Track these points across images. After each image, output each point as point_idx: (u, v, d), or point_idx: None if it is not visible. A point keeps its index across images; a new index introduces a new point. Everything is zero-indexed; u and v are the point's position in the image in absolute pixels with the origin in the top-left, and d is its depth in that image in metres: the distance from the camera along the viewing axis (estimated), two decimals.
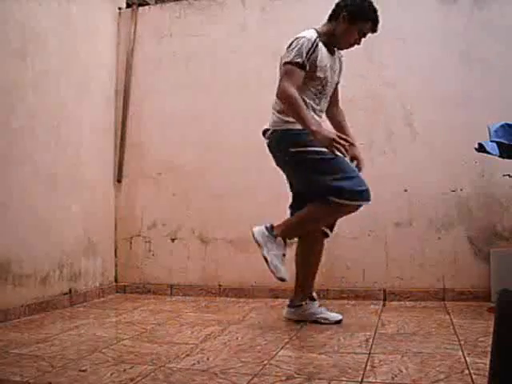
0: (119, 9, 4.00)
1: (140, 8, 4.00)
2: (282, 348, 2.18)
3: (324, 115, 2.75)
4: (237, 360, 1.99)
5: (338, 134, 2.49)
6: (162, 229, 3.81)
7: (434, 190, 3.32)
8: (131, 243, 3.86)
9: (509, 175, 2.98)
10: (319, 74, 2.53)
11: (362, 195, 2.51)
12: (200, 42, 3.80)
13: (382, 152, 3.42)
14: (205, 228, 3.72)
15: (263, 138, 2.69)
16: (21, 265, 2.90)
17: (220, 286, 3.63)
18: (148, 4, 4.10)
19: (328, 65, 2.58)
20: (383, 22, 3.46)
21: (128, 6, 4.05)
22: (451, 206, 3.30)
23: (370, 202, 2.54)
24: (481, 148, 2.66)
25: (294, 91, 2.41)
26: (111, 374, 1.83)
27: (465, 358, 1.94)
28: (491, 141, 2.61)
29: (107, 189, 3.83)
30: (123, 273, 3.86)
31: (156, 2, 4.14)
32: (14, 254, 2.86)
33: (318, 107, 2.63)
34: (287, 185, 2.77)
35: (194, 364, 1.96)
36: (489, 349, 1.16)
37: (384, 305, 3.21)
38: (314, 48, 2.48)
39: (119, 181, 3.89)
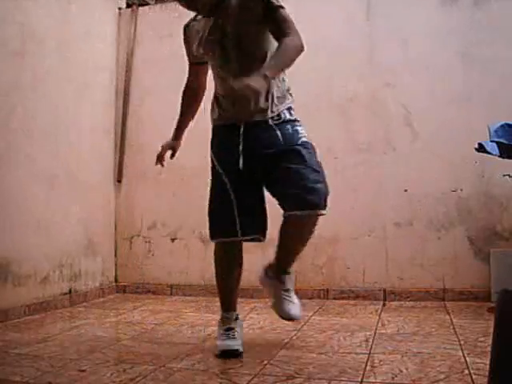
0: (119, 9, 4.01)
1: (140, 8, 4.00)
2: (282, 348, 2.17)
3: None
4: (237, 360, 1.99)
5: None
6: (161, 229, 3.81)
7: (434, 190, 3.32)
8: (131, 243, 3.86)
9: (509, 175, 2.98)
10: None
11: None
12: None
13: (382, 152, 3.42)
14: (205, 228, 3.66)
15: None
16: (21, 265, 2.90)
17: None
18: (148, 4, 4.10)
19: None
20: (384, 22, 3.50)
21: (128, 6, 4.05)
22: (451, 206, 3.30)
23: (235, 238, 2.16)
24: (481, 148, 2.66)
25: None
26: (111, 374, 1.83)
27: (465, 358, 1.94)
28: (491, 141, 2.61)
29: (107, 189, 3.83)
30: (123, 273, 3.86)
31: (156, 2, 4.14)
32: (14, 254, 2.86)
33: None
34: None
35: (193, 364, 1.96)
36: (489, 349, 1.16)
37: (384, 305, 3.21)
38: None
39: (119, 181, 3.89)
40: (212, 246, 3.66)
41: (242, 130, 2.13)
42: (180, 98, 2.42)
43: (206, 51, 2.16)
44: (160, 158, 2.47)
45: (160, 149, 2.48)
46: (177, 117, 2.50)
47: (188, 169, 3.75)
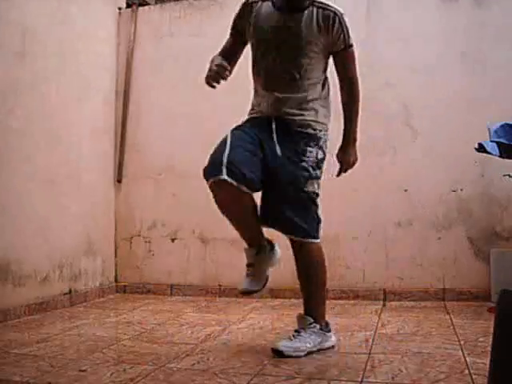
0: (119, 9, 4.01)
1: (140, 8, 4.00)
2: None
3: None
4: (237, 360, 1.99)
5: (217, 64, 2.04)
6: (161, 229, 3.81)
7: (434, 190, 3.32)
8: (131, 243, 3.86)
9: (509, 175, 2.98)
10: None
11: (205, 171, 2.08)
12: (200, 42, 3.79)
13: (382, 152, 3.42)
14: (205, 228, 3.72)
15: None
16: (21, 265, 2.90)
17: (220, 286, 3.62)
18: (148, 4, 4.10)
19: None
20: (384, 22, 3.50)
21: (128, 6, 4.05)
22: (451, 206, 3.30)
23: (211, 179, 2.00)
24: (481, 148, 2.66)
25: None
26: (111, 374, 1.83)
27: (465, 358, 1.94)
28: (491, 141, 2.61)
29: (107, 189, 3.83)
30: (123, 273, 3.86)
31: (156, 2, 4.14)
32: (14, 255, 2.86)
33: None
34: None
35: (193, 364, 1.96)
36: (489, 349, 1.16)
37: (384, 305, 3.21)
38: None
39: (119, 181, 3.89)
40: (211, 245, 3.69)
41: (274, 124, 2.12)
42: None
43: (257, 34, 2.14)
44: (216, 79, 2.06)
45: (214, 67, 2.05)
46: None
47: (188, 169, 3.75)
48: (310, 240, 2.13)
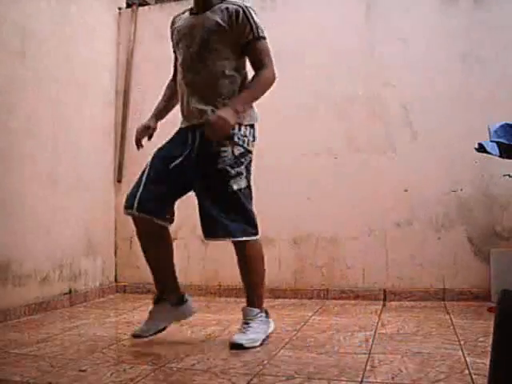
0: (119, 9, 4.01)
1: (140, 8, 4.00)
2: (282, 348, 2.17)
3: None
4: (237, 360, 1.99)
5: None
6: None
7: (434, 190, 3.32)
8: (131, 243, 3.85)
9: (509, 175, 2.98)
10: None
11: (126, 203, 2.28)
12: None
13: (382, 152, 3.42)
14: None
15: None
16: (21, 265, 2.90)
17: (220, 285, 3.62)
18: (148, 4, 4.10)
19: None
20: (384, 23, 3.51)
21: (128, 6, 4.05)
22: (451, 206, 3.30)
23: (131, 211, 2.26)
24: (481, 148, 2.66)
25: None
26: (111, 374, 1.83)
27: (465, 358, 1.94)
28: (491, 141, 2.61)
29: (107, 189, 3.83)
30: (123, 273, 3.86)
31: (156, 2, 4.14)
32: (14, 254, 2.86)
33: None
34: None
35: (193, 364, 1.96)
36: (489, 349, 1.16)
37: (384, 305, 3.21)
38: None
39: (119, 181, 3.88)
40: (211, 245, 3.69)
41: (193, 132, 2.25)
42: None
43: (176, 41, 2.33)
44: (137, 143, 2.49)
45: (135, 133, 2.49)
46: (159, 97, 2.57)
47: None
48: (248, 238, 2.22)
